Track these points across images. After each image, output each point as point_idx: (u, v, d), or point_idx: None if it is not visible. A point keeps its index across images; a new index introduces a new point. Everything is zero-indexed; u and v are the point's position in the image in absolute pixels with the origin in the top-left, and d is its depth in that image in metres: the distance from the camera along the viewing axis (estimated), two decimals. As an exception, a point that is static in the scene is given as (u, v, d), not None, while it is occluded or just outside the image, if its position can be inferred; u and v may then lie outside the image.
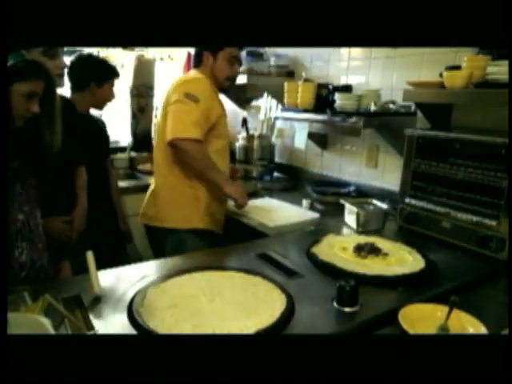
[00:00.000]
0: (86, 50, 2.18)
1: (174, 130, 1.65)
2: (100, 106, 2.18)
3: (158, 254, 1.89)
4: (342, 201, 1.81)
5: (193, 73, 1.89)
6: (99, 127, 2.21)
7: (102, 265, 1.25)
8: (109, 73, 2.12)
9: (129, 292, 1.10)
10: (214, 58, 1.82)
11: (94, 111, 2.23)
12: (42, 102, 1.13)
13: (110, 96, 2.14)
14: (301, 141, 2.48)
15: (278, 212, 2.04)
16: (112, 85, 2.13)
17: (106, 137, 2.26)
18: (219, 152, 1.84)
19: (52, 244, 1.33)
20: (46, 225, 1.28)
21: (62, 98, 1.81)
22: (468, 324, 0.98)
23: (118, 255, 2.18)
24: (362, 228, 1.67)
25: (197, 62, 1.89)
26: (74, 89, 2.06)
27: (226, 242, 1.74)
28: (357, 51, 2.30)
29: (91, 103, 2.11)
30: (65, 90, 2.01)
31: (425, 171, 1.61)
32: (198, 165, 1.71)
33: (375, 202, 1.81)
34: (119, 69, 2.27)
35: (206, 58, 1.83)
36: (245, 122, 2.87)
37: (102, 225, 2.10)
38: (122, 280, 1.20)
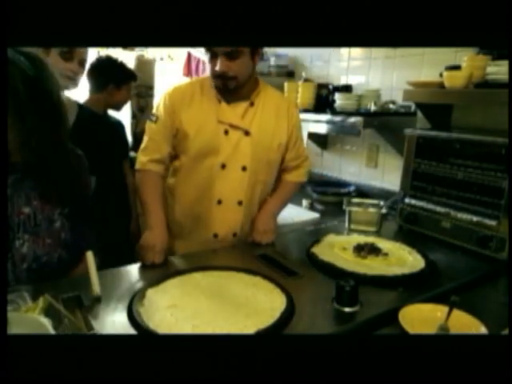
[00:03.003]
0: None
1: None
2: (117, 107, 2.24)
3: None
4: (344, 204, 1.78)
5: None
6: (115, 127, 2.23)
7: (109, 264, 1.26)
8: (127, 76, 2.20)
9: (129, 292, 1.10)
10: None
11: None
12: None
13: (126, 98, 2.22)
14: (301, 141, 2.47)
15: (278, 212, 2.04)
16: (129, 88, 2.21)
17: (122, 137, 2.28)
18: (179, 172, 1.52)
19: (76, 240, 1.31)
20: None
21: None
22: (468, 324, 0.98)
23: (126, 254, 2.20)
24: (355, 226, 1.68)
25: None
26: (92, 89, 2.13)
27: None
28: (357, 51, 2.30)
29: (108, 104, 2.17)
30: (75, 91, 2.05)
31: (425, 171, 1.61)
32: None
33: (377, 203, 1.80)
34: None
35: None
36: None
37: (115, 224, 2.13)
38: (122, 280, 1.20)
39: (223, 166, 1.45)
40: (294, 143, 1.58)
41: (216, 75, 1.39)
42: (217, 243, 1.51)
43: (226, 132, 1.44)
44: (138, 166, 1.53)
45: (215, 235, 1.51)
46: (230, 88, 1.41)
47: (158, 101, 1.52)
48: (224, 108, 1.45)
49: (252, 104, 1.48)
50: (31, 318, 0.88)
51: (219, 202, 1.47)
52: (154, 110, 1.51)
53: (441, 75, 1.60)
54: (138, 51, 3.14)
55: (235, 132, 1.44)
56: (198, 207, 1.50)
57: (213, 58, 1.38)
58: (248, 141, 1.45)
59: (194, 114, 1.45)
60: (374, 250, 1.39)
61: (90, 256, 1.13)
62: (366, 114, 1.91)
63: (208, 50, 1.38)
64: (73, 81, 1.58)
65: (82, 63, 1.62)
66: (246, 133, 1.45)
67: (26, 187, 1.17)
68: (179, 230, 1.55)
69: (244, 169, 1.46)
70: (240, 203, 1.49)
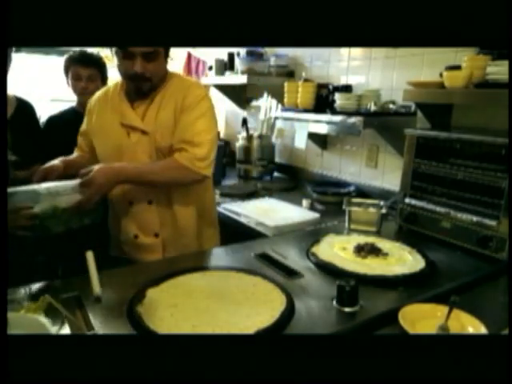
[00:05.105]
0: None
1: None
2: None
3: None
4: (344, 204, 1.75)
5: None
6: None
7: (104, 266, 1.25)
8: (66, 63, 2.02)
9: (129, 292, 1.09)
10: None
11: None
12: None
13: (73, 88, 2.03)
14: (301, 141, 2.48)
15: (278, 212, 2.04)
16: (72, 77, 2.00)
17: None
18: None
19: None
20: None
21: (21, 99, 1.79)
22: (468, 324, 0.98)
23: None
24: (355, 226, 1.67)
25: None
26: None
27: (225, 241, 1.74)
28: (357, 51, 2.30)
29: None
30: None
31: (425, 171, 1.60)
32: None
33: (377, 203, 1.80)
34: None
35: None
36: (245, 121, 2.87)
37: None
38: (123, 280, 1.20)
39: None
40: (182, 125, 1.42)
41: (131, 77, 1.38)
42: (143, 246, 1.51)
43: (129, 134, 1.45)
44: None
45: (135, 236, 1.51)
46: (144, 90, 1.42)
47: None
48: (126, 110, 1.46)
49: (151, 101, 1.45)
50: (31, 318, 0.88)
51: (130, 203, 1.49)
52: None
53: (441, 75, 1.60)
54: (138, 51, 3.13)
55: (135, 134, 1.44)
56: (116, 210, 1.55)
57: (125, 59, 1.36)
58: (146, 140, 1.43)
59: (99, 117, 1.52)
60: (374, 250, 1.39)
61: (90, 256, 1.13)
62: (366, 114, 1.91)
63: (121, 49, 1.35)
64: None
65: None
66: (144, 132, 1.43)
67: None
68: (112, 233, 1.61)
69: None
70: (150, 202, 1.48)
